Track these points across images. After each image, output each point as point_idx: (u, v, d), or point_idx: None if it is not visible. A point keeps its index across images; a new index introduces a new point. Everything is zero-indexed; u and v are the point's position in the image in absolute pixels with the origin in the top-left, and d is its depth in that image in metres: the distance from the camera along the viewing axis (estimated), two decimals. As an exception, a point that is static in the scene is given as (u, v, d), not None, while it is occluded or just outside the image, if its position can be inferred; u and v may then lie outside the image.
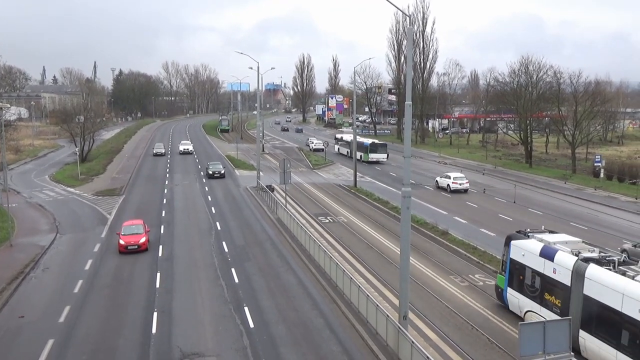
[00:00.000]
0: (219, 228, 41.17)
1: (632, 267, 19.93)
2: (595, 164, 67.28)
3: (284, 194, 47.73)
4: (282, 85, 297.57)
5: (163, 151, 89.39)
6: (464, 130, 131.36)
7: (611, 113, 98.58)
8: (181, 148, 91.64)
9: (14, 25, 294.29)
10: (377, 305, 22.30)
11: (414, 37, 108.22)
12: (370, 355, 20.99)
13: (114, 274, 30.78)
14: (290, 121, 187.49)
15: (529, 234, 25.03)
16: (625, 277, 18.97)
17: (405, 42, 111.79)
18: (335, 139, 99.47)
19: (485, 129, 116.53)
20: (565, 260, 21.32)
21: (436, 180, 60.38)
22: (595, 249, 22.33)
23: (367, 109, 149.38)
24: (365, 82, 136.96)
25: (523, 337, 15.60)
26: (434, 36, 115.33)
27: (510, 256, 24.77)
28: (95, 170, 72.05)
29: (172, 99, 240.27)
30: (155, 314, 24.87)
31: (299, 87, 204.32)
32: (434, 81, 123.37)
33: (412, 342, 18.78)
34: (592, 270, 19.99)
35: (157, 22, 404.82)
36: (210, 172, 64.84)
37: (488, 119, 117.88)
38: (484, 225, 42.88)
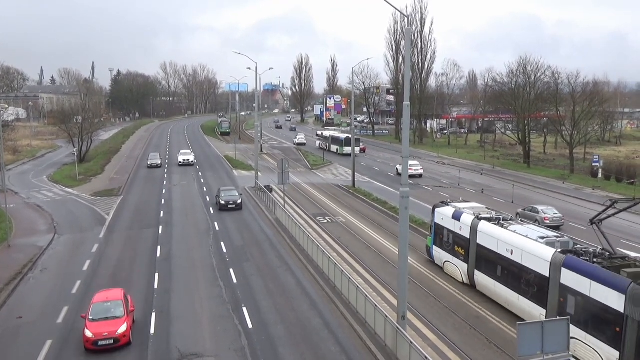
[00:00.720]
0: (217, 228, 41.15)
1: (512, 222, 27.36)
2: (593, 164, 67.39)
3: (282, 194, 47.73)
4: (281, 86, 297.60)
5: (159, 162, 76.21)
6: (462, 130, 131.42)
7: (609, 113, 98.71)
8: (180, 159, 77.51)
9: (12, 26, 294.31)
10: (376, 305, 22.30)
11: (412, 38, 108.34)
12: (369, 356, 21.00)
13: (112, 275, 30.75)
14: (290, 120, 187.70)
15: (448, 203, 32.20)
16: (502, 228, 26.09)
17: (403, 42, 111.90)
18: (316, 135, 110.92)
19: (484, 129, 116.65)
20: (466, 220, 28.49)
21: (396, 168, 70.29)
22: (492, 212, 29.40)
23: (365, 110, 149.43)
24: (363, 83, 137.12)
25: (521, 337, 15.60)
26: (432, 36, 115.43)
27: (434, 221, 31.81)
28: (94, 170, 72.00)
29: (170, 99, 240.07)
30: (153, 314, 24.86)
31: (297, 88, 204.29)
32: (432, 81, 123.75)
33: (411, 342, 18.79)
34: (482, 225, 27.30)
35: (155, 22, 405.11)
36: (223, 202, 47.49)
37: (486, 119, 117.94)
38: (483, 225, 42.80)
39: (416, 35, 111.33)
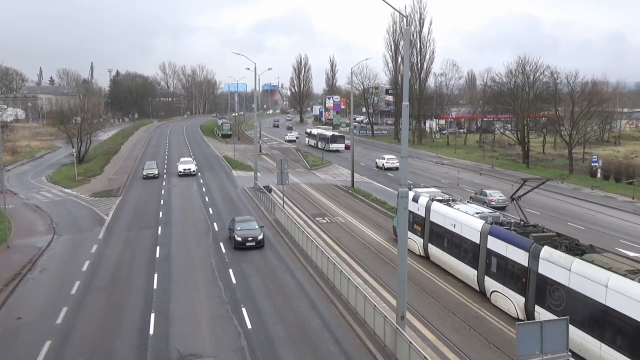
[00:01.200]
0: (216, 229, 41.13)
1: (458, 203, 32.46)
2: (592, 164, 67.45)
3: (281, 195, 47.72)
4: (280, 86, 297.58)
5: (155, 172, 66.35)
6: (461, 130, 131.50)
7: (608, 113, 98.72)
8: (180, 168, 67.90)
9: (11, 26, 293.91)
10: (375, 305, 22.31)
11: (411, 38, 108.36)
12: (368, 356, 21.00)
13: (111, 275, 30.73)
14: (291, 120, 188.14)
15: (410, 188, 34.36)
16: (449, 207, 31.43)
17: (402, 42, 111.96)
18: (306, 132, 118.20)
19: (483, 129, 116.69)
20: (422, 201, 33.78)
21: (375, 161, 77.20)
22: (446, 195, 34.49)
23: (364, 110, 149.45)
24: (362, 83, 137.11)
25: (520, 337, 15.60)
26: (430, 37, 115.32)
27: (399, 204, 30.70)
28: (93, 171, 71.98)
29: (169, 99, 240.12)
30: (152, 315, 24.85)
31: (296, 88, 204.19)
32: (431, 81, 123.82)
33: (410, 342, 18.80)
34: (434, 205, 32.59)
35: (154, 22, 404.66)
36: (239, 239, 35.29)
37: (485, 119, 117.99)
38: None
39: (415, 35, 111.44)
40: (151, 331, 23.19)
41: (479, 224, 27.79)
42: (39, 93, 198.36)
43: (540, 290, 22.70)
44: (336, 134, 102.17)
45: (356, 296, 24.37)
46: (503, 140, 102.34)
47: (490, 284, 26.47)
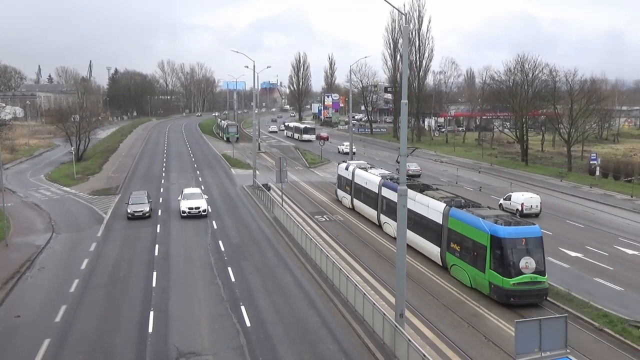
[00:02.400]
0: (215, 227, 41.13)
1: (372, 169, 46.14)
2: (591, 162, 67.46)
3: (280, 193, 47.72)
4: (278, 84, 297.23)
5: (146, 209, 43.92)
6: (460, 128, 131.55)
7: (607, 111, 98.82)
8: (185, 206, 43.98)
9: (9, 25, 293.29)
10: (374, 303, 22.33)
11: (410, 36, 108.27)
12: (367, 354, 21.02)
13: (110, 273, 30.71)
14: (281, 118, 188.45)
15: (345, 161, 51.92)
16: (365, 172, 44.53)
17: (401, 40, 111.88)
18: (284, 125, 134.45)
19: (481, 127, 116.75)
20: (350, 169, 46.93)
21: (337, 147, 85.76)
22: (368, 166, 47.61)
23: (363, 108, 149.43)
24: (361, 81, 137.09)
25: (519, 334, 15.62)
26: (429, 34, 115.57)
27: (338, 172, 50.69)
28: (91, 169, 71.87)
29: (168, 97, 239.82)
30: (151, 313, 24.85)
31: (295, 86, 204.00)
32: (430, 79, 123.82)
33: (409, 340, 18.82)
34: (357, 171, 45.62)
35: (152, 21, 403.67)
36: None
37: (484, 117, 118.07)
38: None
39: (414, 33, 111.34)
40: (150, 329, 23.18)
41: (377, 180, 41.39)
42: (37, 91, 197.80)
43: (389, 207, 37.71)
44: (307, 126, 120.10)
45: (355, 294, 24.39)
46: (502, 139, 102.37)
47: (383, 218, 40.07)
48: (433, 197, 32.82)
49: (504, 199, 47.96)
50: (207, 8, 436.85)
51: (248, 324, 23.66)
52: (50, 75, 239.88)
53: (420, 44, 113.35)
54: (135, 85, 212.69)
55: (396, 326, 20.26)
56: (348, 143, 75.90)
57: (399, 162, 34.28)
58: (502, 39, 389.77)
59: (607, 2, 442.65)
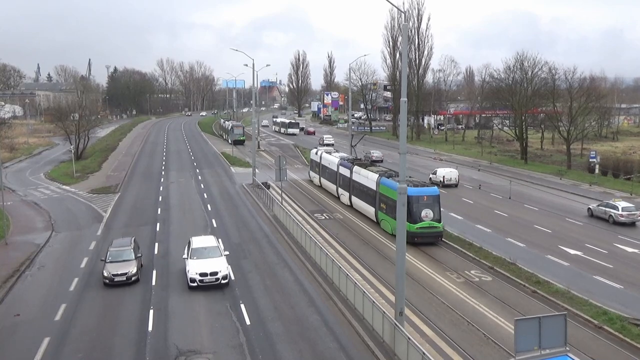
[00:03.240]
0: (214, 225, 41.13)
1: (335, 152, 56.32)
2: (590, 160, 67.44)
3: (279, 191, 47.71)
4: (278, 82, 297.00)
5: (132, 272, 28.60)
6: (460, 126, 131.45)
7: (606, 109, 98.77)
8: (193, 273, 27.70)
9: (8, 23, 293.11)
10: (374, 301, 22.33)
11: (409, 34, 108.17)
12: (367, 352, 21.04)
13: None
14: (297, 114, 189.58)
15: (317, 147, 65.07)
16: (330, 155, 53.75)
17: (400, 38, 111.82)
18: (273, 121, 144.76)
19: (481, 125, 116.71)
20: (319, 152, 56.33)
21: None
22: (333, 150, 59.59)
23: (362, 106, 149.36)
24: (360, 79, 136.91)
25: (518, 332, 15.61)
26: (429, 33, 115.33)
27: (310, 157, 60.20)
28: (91, 168, 71.87)
29: (167, 96, 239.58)
30: (151, 311, 24.85)
31: (294, 84, 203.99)
32: (429, 78, 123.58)
33: (409, 338, 18.83)
34: (324, 154, 54.50)
35: (151, 19, 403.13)
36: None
37: (483, 115, 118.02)
38: (480, 221, 43.00)
39: (413, 31, 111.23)
40: (150, 327, 23.19)
41: (336, 160, 51.06)
42: (36, 90, 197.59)
43: (344, 181, 48.40)
44: (292, 121, 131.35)
45: (355, 292, 24.39)
46: (501, 136, 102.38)
47: (340, 191, 49.84)
48: (372, 171, 43.00)
49: (432, 174, 60.01)
50: (206, 6, 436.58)
51: (248, 322, 23.67)
52: (49, 74, 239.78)
53: (420, 42, 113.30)
54: (135, 83, 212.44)
55: (396, 324, 20.27)
56: (330, 135, 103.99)
57: (353, 147, 52.50)
58: (501, 37, 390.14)
59: (606, 0, 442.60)
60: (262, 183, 53.80)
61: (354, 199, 45.86)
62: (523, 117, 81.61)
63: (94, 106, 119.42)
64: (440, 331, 22.91)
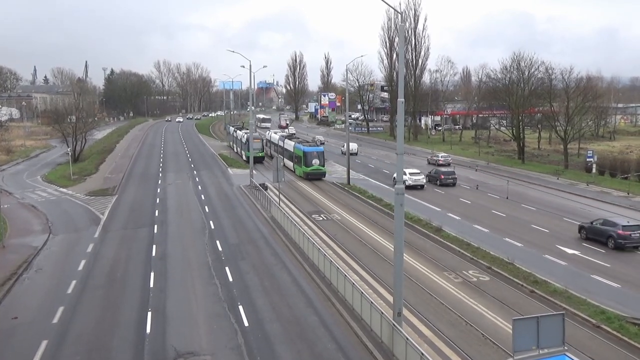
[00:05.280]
0: (212, 227, 41.11)
1: (279, 133, 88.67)
2: (587, 160, 67.57)
3: (277, 192, 47.70)
4: (275, 84, 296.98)
5: None
6: (457, 126, 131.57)
7: (603, 108, 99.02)
8: None
9: (5, 26, 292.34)
10: (372, 302, 22.33)
11: (406, 34, 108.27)
12: (365, 352, 21.03)
13: (107, 274, 30.66)
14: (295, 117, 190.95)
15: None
16: (276, 134, 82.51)
17: (397, 39, 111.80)
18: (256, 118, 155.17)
19: (478, 125, 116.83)
20: (269, 134, 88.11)
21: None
22: (280, 131, 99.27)
23: (359, 107, 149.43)
24: (357, 80, 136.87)
25: (517, 332, 15.62)
26: (425, 33, 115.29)
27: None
28: (88, 170, 71.79)
29: (164, 98, 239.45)
30: (149, 313, 24.81)
31: (291, 85, 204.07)
32: (426, 78, 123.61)
33: (407, 338, 18.83)
34: (272, 135, 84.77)
35: (148, 21, 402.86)
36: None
37: (480, 115, 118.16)
38: (477, 221, 43.03)
39: (410, 32, 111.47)
40: (148, 330, 23.15)
41: (277, 137, 75.17)
42: (33, 92, 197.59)
43: (284, 151, 70.35)
44: (265, 117, 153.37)
45: (353, 293, 24.38)
46: (498, 137, 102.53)
47: (286, 162, 64.00)
48: (292, 141, 68.95)
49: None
50: (202, 8, 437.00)
51: (246, 323, 23.65)
52: (46, 76, 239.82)
53: (417, 43, 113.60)
54: (132, 85, 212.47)
55: (394, 324, 20.27)
56: (292, 127, 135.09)
57: (285, 128, 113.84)
58: (497, 37, 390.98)
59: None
60: (260, 184, 53.81)
61: (285, 160, 65.86)
62: (520, 117, 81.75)
63: (91, 108, 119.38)
64: (439, 331, 22.91)
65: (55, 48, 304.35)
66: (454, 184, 58.98)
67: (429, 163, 75.69)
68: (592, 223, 37.49)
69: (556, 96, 79.98)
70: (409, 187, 53.37)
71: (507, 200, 51.89)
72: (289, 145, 68.22)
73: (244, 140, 78.44)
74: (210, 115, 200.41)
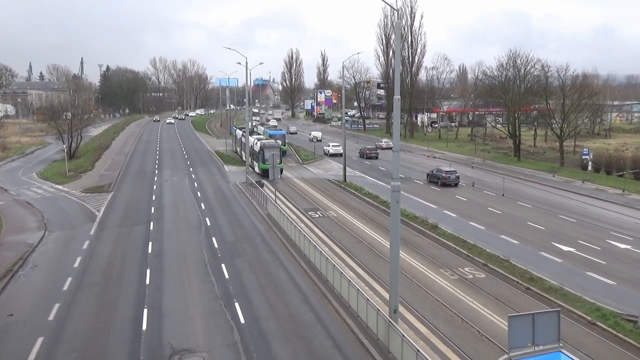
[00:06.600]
0: (208, 224, 41.07)
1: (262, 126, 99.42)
2: (583, 157, 67.67)
3: (273, 190, 47.68)
4: (271, 81, 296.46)
5: None
6: (453, 124, 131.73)
7: (598, 106, 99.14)
8: None
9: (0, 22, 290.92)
10: (368, 299, 22.36)
11: (402, 32, 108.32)
12: (361, 349, 21.06)
13: (103, 271, 30.62)
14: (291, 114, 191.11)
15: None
16: (242, 130, 77.05)
17: (393, 36, 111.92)
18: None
19: (474, 122, 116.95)
20: (235, 130, 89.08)
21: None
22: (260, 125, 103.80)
23: (356, 104, 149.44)
24: (354, 77, 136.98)
25: (512, 328, 15.65)
26: (422, 30, 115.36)
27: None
28: (84, 167, 71.62)
29: (160, 94, 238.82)
30: (145, 310, 24.79)
31: (287, 82, 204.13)
32: (422, 75, 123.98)
33: (403, 335, 18.86)
34: (238, 131, 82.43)
35: (143, 18, 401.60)
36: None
37: (476, 112, 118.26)
38: (473, 218, 43.10)
39: (406, 29, 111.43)
40: (144, 327, 23.13)
41: (240, 133, 74.93)
42: (28, 89, 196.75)
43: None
44: (256, 110, 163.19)
45: (349, 290, 24.41)
46: (494, 134, 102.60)
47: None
48: (255, 138, 68.78)
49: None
50: (198, 5, 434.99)
51: (242, 320, 23.65)
52: (41, 73, 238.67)
53: (413, 40, 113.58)
54: (127, 82, 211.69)
55: (390, 321, 20.30)
56: (274, 120, 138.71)
57: (262, 118, 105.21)
58: (493, 35, 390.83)
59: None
60: (256, 181, 53.77)
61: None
62: (516, 115, 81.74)
63: (87, 105, 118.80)
64: (435, 328, 22.96)
65: (50, 45, 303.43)
66: (456, 184, 57.56)
67: (362, 154, 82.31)
68: (431, 172, 59.61)
69: (552, 94, 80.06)
70: (332, 155, 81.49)
71: (503, 197, 51.98)
72: (253, 141, 65.97)
73: (257, 148, 63.86)
74: (202, 114, 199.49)
